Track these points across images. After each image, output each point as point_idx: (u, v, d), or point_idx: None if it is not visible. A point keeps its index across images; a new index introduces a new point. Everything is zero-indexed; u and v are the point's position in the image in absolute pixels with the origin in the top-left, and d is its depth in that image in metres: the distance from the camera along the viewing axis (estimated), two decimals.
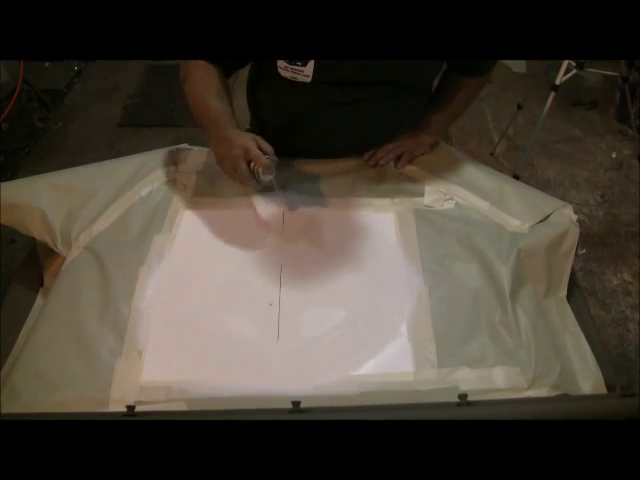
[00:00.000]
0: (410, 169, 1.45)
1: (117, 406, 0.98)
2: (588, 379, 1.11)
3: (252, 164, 1.17)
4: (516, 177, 2.85)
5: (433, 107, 1.48)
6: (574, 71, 2.82)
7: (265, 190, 1.30)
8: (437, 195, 1.37)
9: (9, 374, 1.04)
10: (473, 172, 1.43)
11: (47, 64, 4.00)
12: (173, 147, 1.48)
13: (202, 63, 1.27)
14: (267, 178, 1.19)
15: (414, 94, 1.42)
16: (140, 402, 0.99)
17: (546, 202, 1.35)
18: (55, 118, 3.65)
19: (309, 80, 1.25)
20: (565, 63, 2.75)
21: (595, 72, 3.01)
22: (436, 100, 1.49)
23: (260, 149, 1.17)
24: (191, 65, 1.27)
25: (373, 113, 1.38)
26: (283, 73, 1.27)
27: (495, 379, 1.03)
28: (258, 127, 1.45)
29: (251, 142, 1.16)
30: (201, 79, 1.27)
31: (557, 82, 2.78)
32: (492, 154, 3.33)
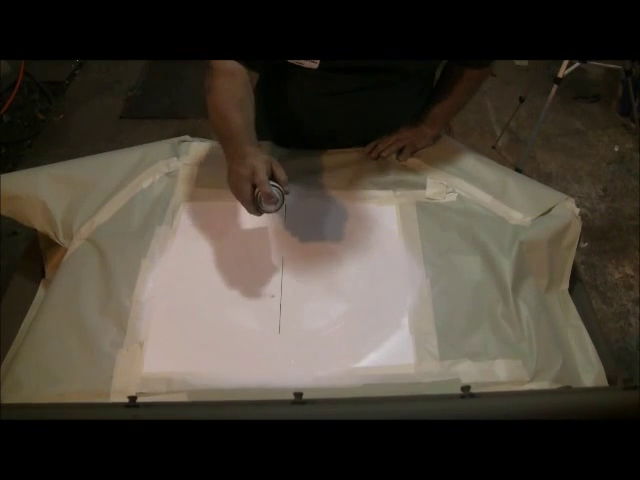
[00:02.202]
0: (412, 161, 1.45)
1: (118, 397, 0.98)
2: (590, 372, 1.11)
3: (257, 191, 1.06)
4: (518, 170, 2.85)
5: (435, 99, 1.48)
6: (577, 64, 2.81)
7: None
8: (439, 188, 1.37)
9: (11, 365, 1.04)
10: (475, 165, 1.42)
11: None
12: (175, 139, 1.48)
13: (228, 69, 1.20)
14: (269, 209, 1.08)
15: (418, 82, 1.42)
16: (141, 393, 0.99)
17: (548, 195, 1.35)
18: (56, 110, 3.65)
19: (316, 66, 1.24)
20: None
21: (598, 65, 3.01)
22: (438, 92, 1.48)
23: (273, 176, 1.08)
24: (215, 72, 1.20)
25: (378, 101, 1.38)
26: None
27: (497, 372, 1.04)
28: (263, 114, 1.41)
29: (262, 165, 1.06)
30: (223, 88, 1.20)
31: (560, 75, 2.77)
32: (494, 147, 3.33)
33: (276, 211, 1.09)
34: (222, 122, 1.17)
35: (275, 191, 1.06)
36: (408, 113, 1.48)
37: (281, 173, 1.08)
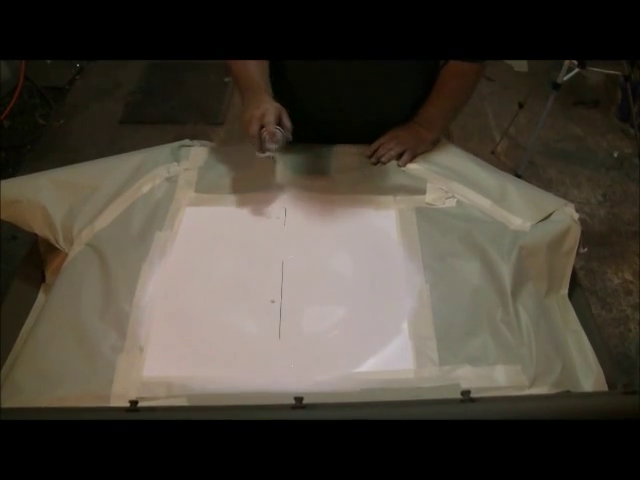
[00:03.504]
0: (412, 166, 1.45)
1: (119, 402, 0.98)
2: (589, 377, 1.11)
3: (263, 130, 1.23)
4: (517, 176, 2.84)
5: (431, 100, 1.48)
6: (576, 70, 2.81)
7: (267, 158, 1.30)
8: (439, 193, 1.37)
9: (11, 370, 1.04)
10: (475, 170, 1.43)
11: (49, 61, 3.99)
12: (175, 143, 1.49)
13: None
14: (271, 147, 1.24)
15: (422, 65, 1.46)
16: (141, 398, 0.98)
17: (548, 201, 1.35)
18: (57, 115, 3.65)
19: None
20: (567, 62, 2.75)
21: (597, 71, 3.01)
22: (435, 93, 1.48)
23: (280, 121, 1.25)
24: None
25: (381, 71, 1.41)
26: None
27: (496, 377, 1.03)
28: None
29: (272, 109, 1.24)
30: None
31: (559, 81, 2.77)
32: (493, 153, 3.33)
33: (277, 151, 1.26)
34: (243, 73, 1.35)
35: (278, 133, 1.23)
36: (410, 87, 1.50)
37: (287, 121, 1.27)
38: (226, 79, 3.81)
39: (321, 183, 1.39)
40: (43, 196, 1.28)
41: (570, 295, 1.27)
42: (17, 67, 3.52)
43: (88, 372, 1.02)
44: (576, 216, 1.29)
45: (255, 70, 1.34)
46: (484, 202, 1.34)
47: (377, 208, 1.34)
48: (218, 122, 3.54)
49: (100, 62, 4.08)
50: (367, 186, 1.39)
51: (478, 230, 1.27)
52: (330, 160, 1.45)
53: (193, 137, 1.54)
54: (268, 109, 1.23)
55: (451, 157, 1.47)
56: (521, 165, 3.00)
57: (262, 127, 1.23)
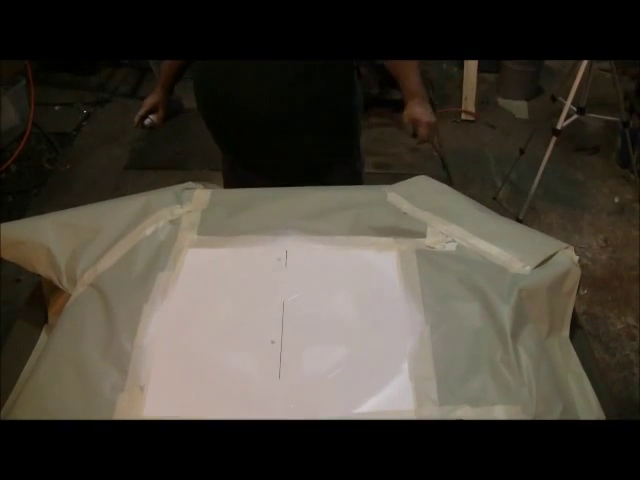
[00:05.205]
0: (412, 209, 1.45)
1: None
2: (590, 419, 1.10)
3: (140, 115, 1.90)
4: (519, 221, 2.86)
5: (410, 72, 1.67)
6: (575, 116, 2.86)
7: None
8: (439, 237, 1.38)
9: (11, 409, 1.04)
10: (475, 214, 1.44)
11: (57, 107, 4.07)
12: (178, 186, 1.50)
13: None
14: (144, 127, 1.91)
15: None
16: None
17: (547, 243, 1.35)
18: (63, 160, 3.71)
19: None
20: (566, 109, 2.79)
21: (596, 117, 3.05)
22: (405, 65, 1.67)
23: (156, 110, 1.90)
24: None
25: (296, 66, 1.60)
26: None
27: (496, 417, 1.03)
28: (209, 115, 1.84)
29: (151, 101, 1.89)
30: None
31: (558, 127, 2.82)
32: (495, 198, 3.35)
33: (150, 129, 1.94)
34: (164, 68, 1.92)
35: (147, 119, 1.90)
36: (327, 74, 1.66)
37: (161, 111, 1.92)
38: None
39: (320, 224, 1.40)
40: (47, 238, 1.29)
41: (571, 337, 1.27)
42: (26, 113, 3.58)
43: (88, 411, 1.02)
44: (576, 258, 1.30)
45: (168, 67, 1.88)
46: (484, 245, 1.35)
47: (378, 249, 1.35)
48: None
49: (107, 108, 4.16)
50: (366, 227, 1.40)
51: (478, 273, 1.28)
52: (323, 201, 1.48)
53: (196, 181, 1.56)
54: (149, 101, 1.88)
55: (451, 201, 1.49)
56: (522, 210, 3.02)
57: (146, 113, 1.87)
